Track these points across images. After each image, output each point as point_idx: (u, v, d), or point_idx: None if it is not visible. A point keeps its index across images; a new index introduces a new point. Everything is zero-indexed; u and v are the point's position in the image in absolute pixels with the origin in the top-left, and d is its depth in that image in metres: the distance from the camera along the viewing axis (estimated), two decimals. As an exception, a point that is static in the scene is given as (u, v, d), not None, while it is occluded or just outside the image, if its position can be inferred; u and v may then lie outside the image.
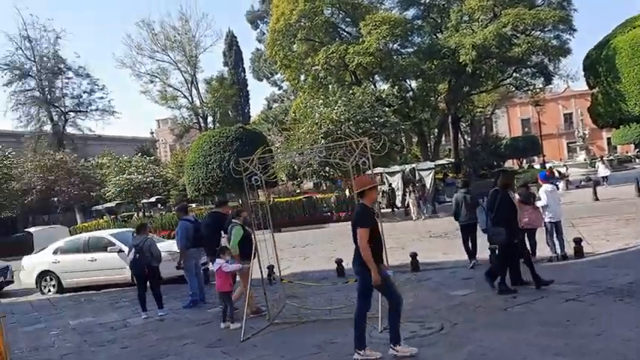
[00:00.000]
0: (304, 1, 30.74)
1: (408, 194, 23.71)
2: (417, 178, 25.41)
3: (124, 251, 11.79)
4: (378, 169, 24.15)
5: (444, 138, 45.76)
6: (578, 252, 10.05)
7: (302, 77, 37.31)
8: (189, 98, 49.49)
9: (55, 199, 35.72)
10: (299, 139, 24.50)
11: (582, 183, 27.65)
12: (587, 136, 49.95)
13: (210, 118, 50.61)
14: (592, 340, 5.56)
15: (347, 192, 26.97)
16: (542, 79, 35.26)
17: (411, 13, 36.27)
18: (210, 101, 49.58)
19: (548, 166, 36.15)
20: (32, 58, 41.47)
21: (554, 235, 9.99)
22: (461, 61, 29.60)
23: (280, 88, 57.87)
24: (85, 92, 43.97)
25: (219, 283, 8.01)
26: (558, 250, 9.97)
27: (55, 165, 34.59)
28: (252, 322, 7.66)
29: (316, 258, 14.78)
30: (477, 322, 6.66)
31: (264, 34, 50.35)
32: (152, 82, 48.70)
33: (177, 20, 48.74)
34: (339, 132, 22.26)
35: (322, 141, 21.84)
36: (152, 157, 45.02)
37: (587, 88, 27.46)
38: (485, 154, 41.16)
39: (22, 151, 37.88)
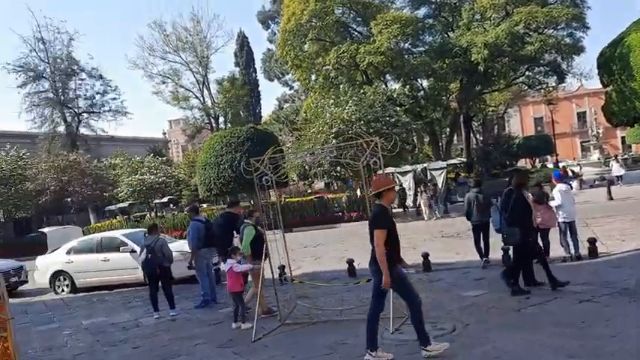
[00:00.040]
0: (315, 1, 30.75)
1: (419, 194, 23.60)
2: (429, 177, 25.30)
3: (136, 251, 11.84)
4: (390, 169, 24.07)
5: (455, 137, 45.54)
6: (593, 252, 9.93)
7: (313, 77, 37.32)
8: (201, 99, 49.73)
9: (69, 199, 36.02)
10: (310, 139, 24.49)
11: (596, 182, 27.36)
12: (600, 134, 49.37)
13: (221, 119, 50.79)
14: (607, 341, 5.48)
15: (358, 192, 26.91)
16: (555, 77, 34.94)
17: (422, 12, 36.15)
18: (222, 102, 49.75)
19: (561, 165, 35.78)
20: (46, 60, 41.82)
21: (568, 235, 9.88)
22: (473, 59, 29.42)
23: (291, 88, 58.00)
24: (98, 93, 44.31)
25: (230, 283, 8.02)
26: (572, 251, 9.86)
27: (69, 166, 34.85)
28: (264, 323, 7.66)
29: (327, 258, 14.76)
30: (490, 323, 6.59)
31: (275, 34, 50.44)
32: (164, 82, 49.05)
33: (189, 21, 48.98)
34: (350, 132, 22.21)
35: (333, 141, 21.82)
36: (164, 158, 45.27)
37: (600, 86, 27.07)
38: (497, 153, 40.85)
39: (36, 152, 38.22)
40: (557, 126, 42.83)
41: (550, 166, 43.32)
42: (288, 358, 6.33)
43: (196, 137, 51.61)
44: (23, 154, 35.00)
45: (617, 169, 27.47)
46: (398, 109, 29.84)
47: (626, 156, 46.88)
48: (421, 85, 36.48)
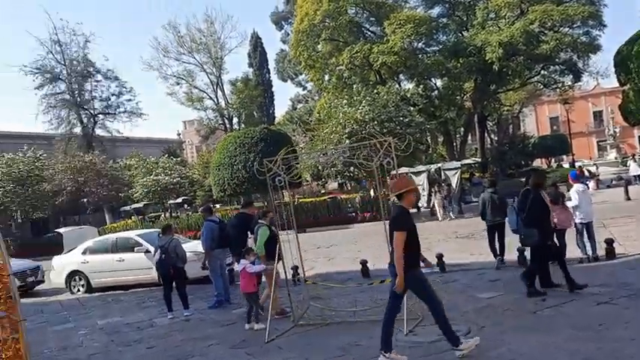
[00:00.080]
0: (328, 1, 30.72)
1: (433, 194, 23.46)
2: (443, 177, 25.14)
3: (150, 252, 11.91)
4: (403, 169, 23.96)
5: (470, 137, 45.22)
6: (610, 253, 9.79)
7: (326, 77, 37.29)
8: (215, 100, 50.03)
9: (85, 199, 36.39)
10: (323, 140, 24.47)
11: (613, 182, 26.99)
12: (617, 134, 48.67)
13: (235, 119, 51.03)
14: (626, 344, 5.39)
15: (371, 192, 26.82)
16: (571, 76, 34.53)
17: (435, 11, 35.94)
18: (236, 102, 49.97)
19: (577, 165, 35.38)
20: (62, 62, 42.30)
21: (585, 236, 9.74)
22: (487, 59, 29.18)
23: (305, 88, 58.06)
24: (113, 95, 44.72)
25: (244, 284, 8.02)
26: (589, 252, 9.72)
27: (85, 166, 35.21)
28: (277, 324, 7.65)
29: (341, 259, 14.72)
30: (505, 325, 6.52)
31: (288, 34, 50.54)
32: (178, 84, 49.43)
33: (203, 22, 49.37)
34: (363, 132, 22.15)
35: (346, 141, 21.77)
36: (179, 158, 45.55)
37: (617, 85, 26.71)
38: (512, 153, 40.48)
39: (53, 153, 38.65)
40: (573, 125, 42.36)
41: (566, 165, 42.86)
42: (301, 359, 6.31)
43: (210, 138, 51.90)
44: (40, 155, 35.46)
45: (634, 169, 27.09)
46: (412, 108, 29.71)
47: (644, 155, 46.18)
48: (435, 84, 36.28)
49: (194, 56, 48.71)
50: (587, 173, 26.54)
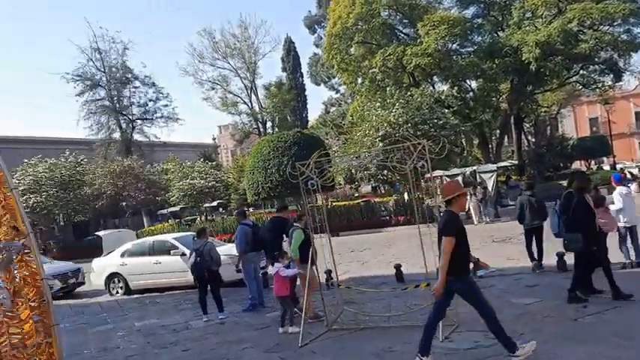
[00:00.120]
0: (361, 4, 30.67)
1: (468, 198, 23.07)
2: (479, 180, 24.73)
3: (186, 254, 12.08)
4: (438, 172, 23.67)
5: (506, 139, 44.35)
6: (655, 259, 9.42)
7: (359, 80, 37.21)
8: (249, 104, 50.51)
9: (124, 203, 37.26)
10: (356, 143, 24.41)
11: (657, 185, 26.01)
12: (661, 134, 47.02)
13: (269, 123, 51.43)
14: (673, 355, 5.17)
15: (405, 195, 26.59)
16: (612, 75, 33.43)
17: (470, 11, 35.39)
18: (269, 106, 50.40)
19: (619, 167, 34.29)
20: (102, 69, 43.41)
21: (629, 240, 9.41)
22: (524, 59, 28.59)
23: (338, 91, 58.15)
24: (150, 100, 45.61)
25: (277, 287, 8.04)
26: (633, 257, 9.38)
27: (124, 171, 36.03)
28: (310, 328, 7.63)
29: (374, 263, 14.63)
30: (545, 333, 6.33)
31: (321, 38, 50.74)
32: (213, 89, 50.11)
33: (237, 28, 49.82)
34: (396, 134, 22.06)
35: (380, 144, 21.67)
36: (214, 163, 46.16)
37: (662, 84, 25.84)
38: (550, 155, 39.54)
39: (93, 158, 39.68)
40: (613, 126, 41.08)
41: (607, 168, 41.59)
42: (335, 364, 6.29)
43: (244, 142, 52.46)
44: (81, 160, 36.53)
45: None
46: (446, 111, 29.36)
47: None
48: (470, 86, 35.75)
49: (228, 61, 49.41)
50: (629, 175, 25.66)
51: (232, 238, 14.80)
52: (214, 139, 68.87)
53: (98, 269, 14.96)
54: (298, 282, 8.61)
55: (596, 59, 31.26)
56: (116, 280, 14.39)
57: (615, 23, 29.66)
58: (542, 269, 10.10)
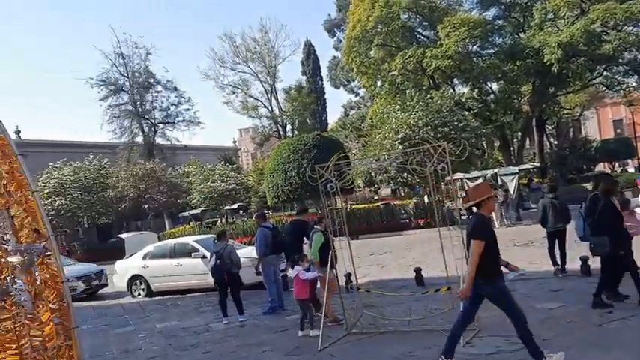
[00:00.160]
0: (381, 7, 30.62)
1: (490, 200, 22.84)
2: (500, 183, 24.45)
3: (207, 257, 12.16)
4: (458, 175, 23.47)
5: (528, 141, 43.81)
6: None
7: (379, 83, 37.13)
8: (269, 107, 50.77)
9: (146, 206, 37.69)
10: (376, 146, 24.34)
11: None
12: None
13: (288, 127, 51.59)
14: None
15: (425, 198, 26.43)
16: (636, 76, 32.84)
17: (491, 13, 35.08)
18: (289, 110, 50.57)
19: (644, 169, 33.58)
20: (125, 74, 43.94)
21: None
22: (545, 60, 28.23)
23: (357, 94, 58.09)
24: (172, 104, 45.98)
25: (297, 290, 8.06)
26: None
27: (146, 174, 36.44)
28: (330, 331, 7.62)
29: (394, 266, 14.56)
30: (569, 338, 6.23)
31: (340, 41, 50.73)
32: (234, 92, 50.45)
33: (258, 32, 50.08)
34: (416, 137, 21.93)
35: (399, 147, 21.58)
36: (234, 166, 46.42)
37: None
38: (573, 157, 38.90)
39: (116, 161, 40.18)
40: (638, 128, 40.24)
41: (631, 170, 40.78)
42: (354, 367, 6.27)
43: (264, 145, 52.67)
44: (105, 163, 37.08)
45: None
46: (466, 113, 29.12)
47: None
48: (491, 88, 35.39)
49: (249, 65, 49.69)
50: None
51: (252, 240, 14.89)
52: (235, 142, 69.32)
53: (121, 271, 15.15)
54: (318, 285, 8.62)
55: (620, 60, 30.71)
56: (138, 281, 14.56)
57: (640, 24, 29.13)
58: (565, 273, 9.95)
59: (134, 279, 14.61)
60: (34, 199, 4.38)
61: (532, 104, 34.01)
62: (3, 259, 4.39)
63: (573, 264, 9.84)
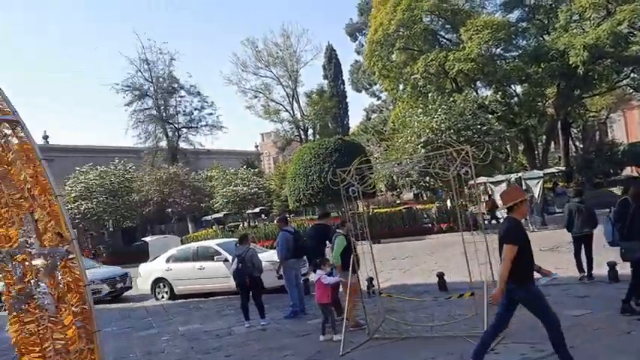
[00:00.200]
0: (403, 10, 30.53)
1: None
2: (524, 187, 24.07)
3: (229, 260, 12.22)
4: (481, 179, 23.21)
5: (552, 145, 43.14)
6: None
7: (401, 87, 37.00)
8: (291, 112, 50.98)
9: (170, 209, 38.12)
10: (398, 149, 24.24)
11: None
12: None
13: (310, 131, 51.71)
14: None
15: (448, 202, 26.19)
16: (664, 79, 32.16)
17: (515, 15, 34.74)
18: (311, 114, 50.73)
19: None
20: (150, 80, 44.55)
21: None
22: (571, 63, 27.78)
23: (379, 98, 57.99)
24: (196, 109, 46.42)
25: (319, 295, 8.03)
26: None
27: (170, 178, 36.86)
28: (352, 336, 7.58)
29: (417, 270, 14.45)
30: (597, 345, 6.10)
31: (362, 45, 50.74)
32: (256, 97, 50.80)
33: (280, 37, 50.41)
34: (439, 141, 21.76)
35: (422, 150, 21.45)
36: (256, 170, 46.72)
37: None
38: (599, 161, 38.09)
39: (141, 165, 40.75)
40: (668, 130, 39.34)
41: (661, 174, 39.73)
42: (376, 373, 6.22)
43: (286, 149, 52.90)
44: (129, 167, 37.64)
45: None
46: (490, 116, 28.81)
47: None
48: (514, 91, 34.97)
49: (271, 70, 50.04)
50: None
51: (274, 244, 14.94)
52: (257, 146, 69.76)
53: (144, 274, 15.30)
54: (341, 289, 8.59)
55: (648, 61, 30.07)
56: (161, 284, 14.69)
57: (668, 24, 28.49)
58: (592, 279, 9.75)
59: (158, 282, 14.75)
60: (57, 203, 4.44)
61: (557, 107, 33.50)
62: (27, 263, 4.47)
63: (600, 270, 9.63)
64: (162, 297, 14.62)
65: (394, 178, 25.63)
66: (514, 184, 24.51)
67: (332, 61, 55.67)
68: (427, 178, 22.52)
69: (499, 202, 24.67)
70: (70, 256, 4.37)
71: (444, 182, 20.12)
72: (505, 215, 6.16)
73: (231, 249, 12.47)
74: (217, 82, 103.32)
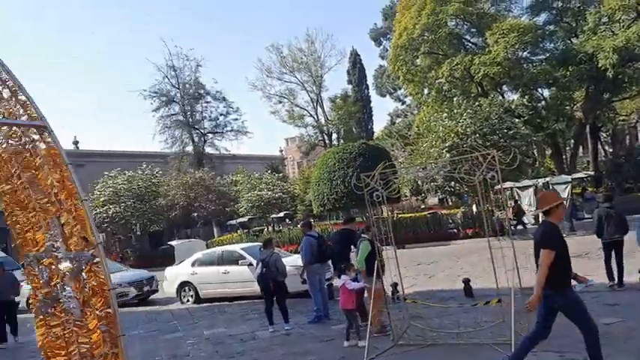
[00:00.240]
0: (427, 14, 30.42)
1: (541, 210, 22.12)
2: (552, 192, 23.69)
3: (253, 265, 12.28)
4: (508, 184, 22.91)
5: (581, 149, 42.33)
6: None
7: (425, 91, 36.81)
8: (315, 117, 51.08)
9: (195, 214, 38.51)
10: (422, 154, 24.07)
11: None
12: None
13: (334, 135, 51.72)
14: None
15: (474, 207, 25.88)
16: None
17: (542, 18, 34.27)
18: (335, 119, 50.74)
19: None
20: (177, 86, 45.20)
21: None
22: (600, 66, 27.28)
23: (403, 103, 57.70)
24: (221, 115, 46.86)
25: (343, 300, 8.01)
26: None
27: (196, 183, 37.25)
28: (376, 342, 7.53)
29: (442, 276, 14.30)
30: (628, 355, 5.95)
31: (387, 50, 50.60)
32: (280, 102, 51.03)
33: (304, 42, 50.60)
34: (464, 145, 21.53)
35: (447, 155, 21.25)
36: (281, 174, 46.87)
37: None
38: (630, 166, 37.15)
39: (167, 170, 41.26)
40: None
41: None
42: (401, 379, 6.17)
43: (310, 154, 52.95)
44: (156, 172, 38.17)
45: None
46: (516, 120, 28.43)
47: None
48: (542, 94, 34.46)
49: (295, 75, 50.25)
50: None
51: (298, 249, 14.97)
52: (281, 151, 70.04)
53: (170, 277, 15.46)
54: (365, 294, 8.55)
55: (679, 64, 29.33)
56: (187, 288, 14.81)
57: (701, 25, 27.72)
58: (622, 287, 9.52)
59: (183, 285, 14.87)
60: (83, 208, 4.50)
61: (585, 111, 32.89)
62: (53, 267, 4.55)
63: (631, 277, 9.40)
64: (188, 300, 14.74)
65: (419, 182, 25.45)
66: (540, 190, 24.15)
67: (356, 65, 55.61)
68: (452, 182, 22.30)
69: (525, 207, 24.46)
70: (95, 260, 4.42)
71: (469, 187, 19.85)
72: (540, 220, 6.03)
73: (256, 253, 12.53)
74: (242, 88, 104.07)
